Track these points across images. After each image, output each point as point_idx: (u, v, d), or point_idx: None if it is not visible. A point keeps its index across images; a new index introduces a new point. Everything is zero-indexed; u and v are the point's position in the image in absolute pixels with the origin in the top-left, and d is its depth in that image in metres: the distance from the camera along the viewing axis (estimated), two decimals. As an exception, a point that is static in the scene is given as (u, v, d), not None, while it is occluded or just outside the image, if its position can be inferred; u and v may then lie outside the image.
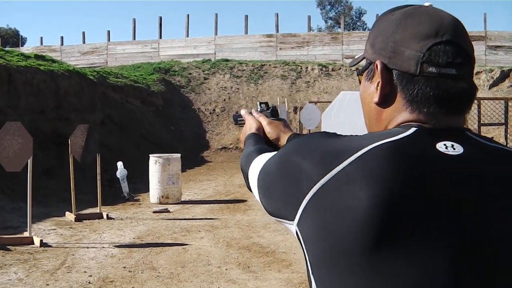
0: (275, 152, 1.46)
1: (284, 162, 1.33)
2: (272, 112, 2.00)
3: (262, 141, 1.90)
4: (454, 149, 1.23)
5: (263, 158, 1.52)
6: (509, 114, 10.56)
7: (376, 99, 1.35)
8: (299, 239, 1.28)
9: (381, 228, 1.13)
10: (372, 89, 1.36)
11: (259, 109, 2.05)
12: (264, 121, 1.94)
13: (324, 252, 1.20)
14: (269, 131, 1.94)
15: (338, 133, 1.35)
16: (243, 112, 2.08)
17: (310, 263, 1.26)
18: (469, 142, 1.27)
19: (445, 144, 1.23)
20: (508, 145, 10.65)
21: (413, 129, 1.26)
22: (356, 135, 1.29)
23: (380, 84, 1.33)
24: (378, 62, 1.33)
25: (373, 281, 1.15)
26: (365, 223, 1.14)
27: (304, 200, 1.23)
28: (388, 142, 1.22)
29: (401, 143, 1.22)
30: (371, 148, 1.20)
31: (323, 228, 1.19)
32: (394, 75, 1.31)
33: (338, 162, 1.20)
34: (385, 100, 1.34)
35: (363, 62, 1.46)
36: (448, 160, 1.21)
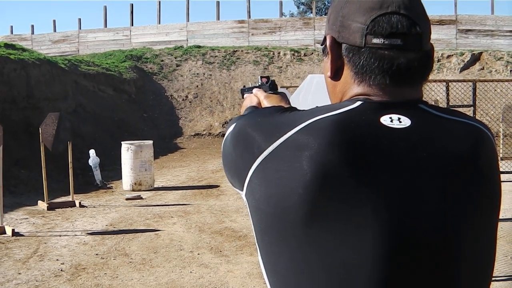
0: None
1: (235, 134, 1.35)
2: (270, 86, 1.95)
3: None
4: (400, 122, 1.22)
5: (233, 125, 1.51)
6: (477, 96, 10.64)
7: (328, 73, 1.36)
8: (248, 208, 1.31)
9: (315, 202, 1.15)
10: (328, 63, 1.37)
11: (259, 83, 1.99)
12: (261, 96, 1.90)
13: (265, 222, 1.23)
14: (266, 105, 1.86)
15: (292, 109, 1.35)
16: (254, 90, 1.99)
17: (255, 232, 1.29)
18: (421, 115, 1.26)
19: (390, 117, 1.23)
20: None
21: (358, 103, 1.26)
22: (304, 110, 1.30)
23: (330, 58, 1.35)
24: (328, 37, 1.35)
25: (306, 254, 1.17)
26: (301, 196, 1.15)
27: (251, 170, 1.25)
28: (331, 115, 1.22)
29: (343, 117, 1.22)
30: (313, 121, 1.21)
31: (265, 198, 1.22)
32: (343, 49, 1.32)
33: (280, 135, 1.22)
34: (337, 74, 1.35)
35: None
36: (391, 133, 1.21)
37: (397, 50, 1.25)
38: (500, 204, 1.30)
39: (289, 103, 1.85)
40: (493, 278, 5.28)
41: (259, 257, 1.30)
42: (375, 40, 1.26)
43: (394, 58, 1.26)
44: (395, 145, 1.20)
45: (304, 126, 1.21)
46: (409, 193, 1.18)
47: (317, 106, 1.30)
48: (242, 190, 1.31)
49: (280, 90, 1.97)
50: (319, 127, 1.20)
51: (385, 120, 1.23)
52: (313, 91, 8.41)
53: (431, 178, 1.19)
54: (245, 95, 2.04)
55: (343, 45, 1.32)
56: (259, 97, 1.89)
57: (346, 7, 1.32)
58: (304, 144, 1.18)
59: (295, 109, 1.35)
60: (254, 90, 1.95)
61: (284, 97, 1.90)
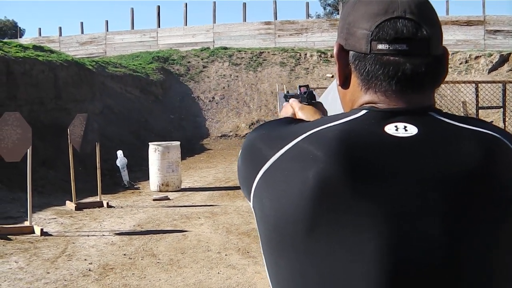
0: None
1: (244, 147, 1.35)
2: (307, 97, 1.90)
3: None
4: (406, 130, 1.18)
5: None
6: (507, 97, 10.54)
7: (337, 81, 1.35)
8: (255, 219, 1.29)
9: (313, 214, 1.12)
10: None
11: (297, 92, 1.96)
12: (296, 106, 1.86)
13: (268, 232, 1.22)
14: (301, 116, 1.82)
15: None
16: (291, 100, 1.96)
17: (261, 242, 1.27)
18: (429, 123, 1.21)
19: (396, 126, 1.19)
20: (506, 128, 10.61)
21: (363, 111, 1.23)
22: (311, 121, 1.29)
23: (337, 66, 1.33)
24: (335, 44, 1.33)
25: (303, 266, 1.15)
26: (300, 207, 1.13)
27: (255, 181, 1.24)
28: (333, 125, 1.20)
29: (345, 127, 1.20)
30: (315, 132, 1.20)
31: (268, 209, 1.20)
32: (350, 56, 1.29)
33: (282, 145, 1.21)
34: (346, 82, 1.33)
35: None
36: (394, 143, 1.16)
37: (403, 55, 1.22)
38: None
39: (325, 113, 1.84)
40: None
41: (265, 267, 1.28)
42: (380, 46, 1.23)
43: (399, 64, 1.22)
44: (397, 155, 1.15)
45: (306, 137, 1.20)
46: (408, 206, 1.12)
47: (323, 117, 1.31)
48: (250, 201, 1.31)
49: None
50: (320, 137, 1.18)
51: (389, 129, 1.18)
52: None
53: (434, 190, 1.13)
54: (284, 103, 2.01)
55: (350, 53, 1.29)
56: (294, 108, 1.87)
57: (352, 14, 1.30)
58: (304, 154, 1.17)
59: (304, 120, 1.34)
60: (290, 100, 1.92)
61: (319, 107, 1.87)
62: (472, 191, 1.13)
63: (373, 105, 1.25)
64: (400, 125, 1.19)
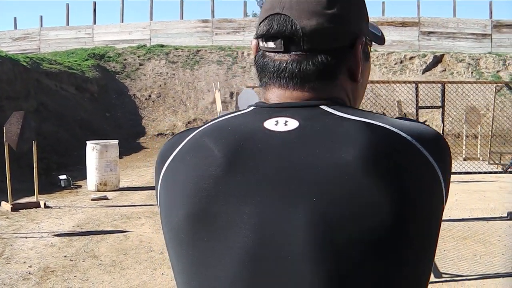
0: None
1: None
2: None
3: None
4: (286, 125, 1.13)
5: None
6: (439, 98, 10.71)
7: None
8: None
9: (185, 215, 1.13)
10: None
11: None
12: None
13: (164, 230, 1.23)
14: None
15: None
16: None
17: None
18: (314, 117, 1.14)
19: (276, 121, 1.14)
20: (444, 128, 10.80)
21: (251, 108, 1.23)
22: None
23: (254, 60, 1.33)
24: (253, 40, 1.32)
25: (180, 273, 1.17)
26: (174, 210, 1.16)
27: (158, 188, 1.26)
28: (222, 120, 1.21)
29: (224, 122, 1.20)
30: (210, 124, 1.21)
31: (162, 218, 1.23)
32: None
33: (170, 153, 1.22)
34: None
35: None
36: (270, 137, 1.12)
37: (278, 52, 1.21)
38: (423, 235, 1.08)
39: None
40: (463, 278, 5.23)
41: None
42: (261, 44, 1.25)
43: (275, 61, 1.22)
44: (270, 149, 1.11)
45: (188, 140, 1.21)
46: (274, 204, 1.07)
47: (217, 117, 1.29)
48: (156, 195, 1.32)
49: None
50: (195, 138, 1.20)
51: (269, 123, 1.15)
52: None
53: (304, 186, 1.06)
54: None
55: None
56: None
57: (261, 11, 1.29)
58: (180, 158, 1.20)
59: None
60: None
61: None
62: (344, 190, 1.04)
63: (265, 101, 1.24)
64: (282, 119, 1.14)
